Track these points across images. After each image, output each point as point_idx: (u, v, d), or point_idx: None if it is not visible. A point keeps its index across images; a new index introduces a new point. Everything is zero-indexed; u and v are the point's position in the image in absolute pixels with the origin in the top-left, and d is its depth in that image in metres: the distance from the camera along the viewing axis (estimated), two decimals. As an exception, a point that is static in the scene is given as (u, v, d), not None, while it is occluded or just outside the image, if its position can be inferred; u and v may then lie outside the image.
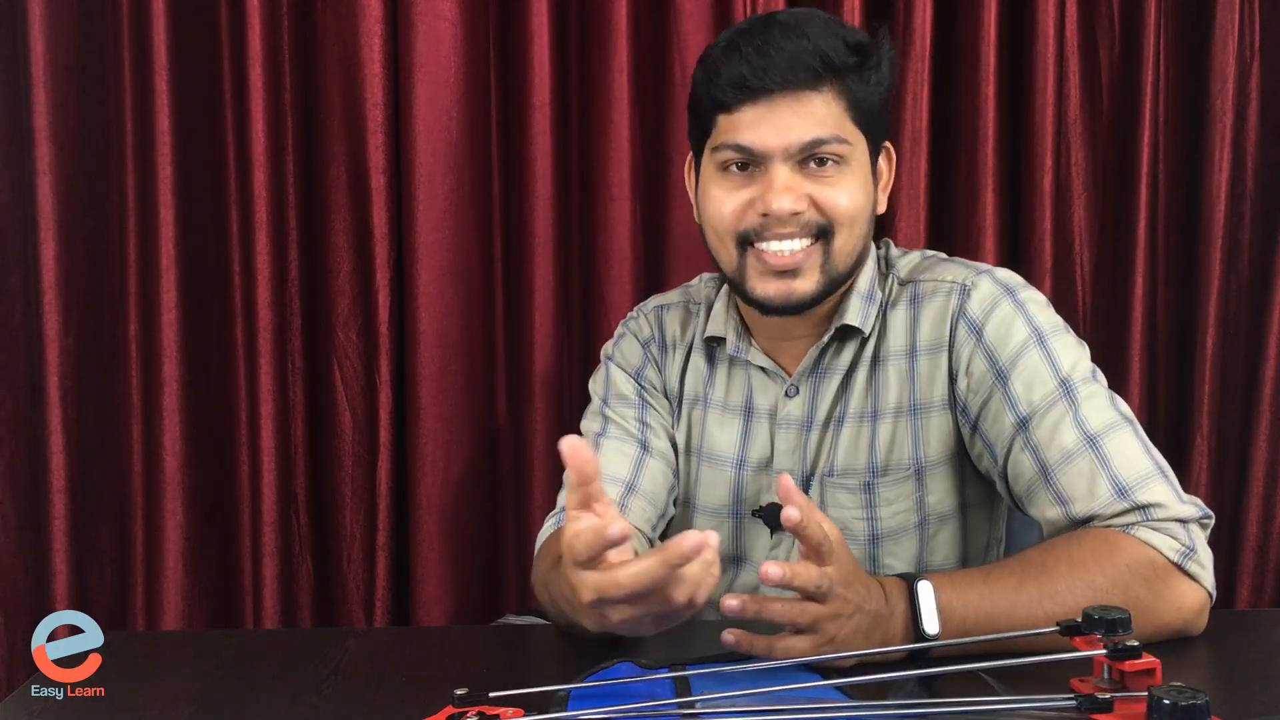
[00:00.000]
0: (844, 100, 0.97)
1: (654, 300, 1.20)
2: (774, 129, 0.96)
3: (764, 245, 0.99)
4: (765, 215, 0.97)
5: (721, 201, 1.00)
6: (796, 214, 0.97)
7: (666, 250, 1.53)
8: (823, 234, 0.99)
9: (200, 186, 1.48)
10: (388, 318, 1.48)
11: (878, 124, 1.02)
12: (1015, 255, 1.52)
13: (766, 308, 1.02)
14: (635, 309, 1.21)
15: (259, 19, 1.43)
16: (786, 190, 0.96)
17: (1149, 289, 1.51)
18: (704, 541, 0.68)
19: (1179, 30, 1.51)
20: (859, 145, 0.99)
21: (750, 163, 0.98)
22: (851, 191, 0.99)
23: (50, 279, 1.45)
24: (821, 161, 0.97)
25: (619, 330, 1.20)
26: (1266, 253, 1.49)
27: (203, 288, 1.49)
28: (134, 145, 1.46)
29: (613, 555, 0.74)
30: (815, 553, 0.78)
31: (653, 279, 1.52)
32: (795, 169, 0.97)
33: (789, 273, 0.99)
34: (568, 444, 0.74)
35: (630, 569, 0.70)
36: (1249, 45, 1.49)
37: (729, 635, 0.79)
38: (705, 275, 1.20)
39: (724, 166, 1.00)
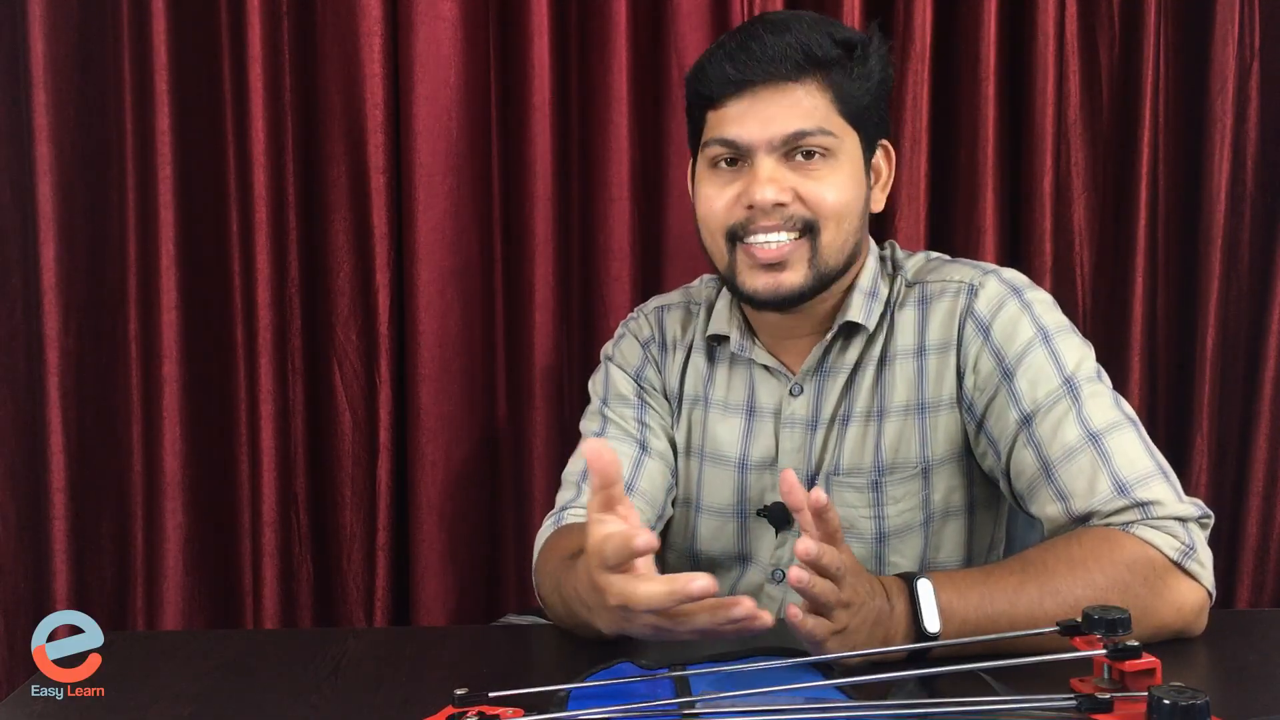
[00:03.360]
0: (829, 93, 0.98)
1: (654, 301, 1.21)
2: (757, 121, 0.97)
3: (751, 240, 0.99)
4: (750, 208, 0.98)
5: (712, 198, 1.02)
6: (781, 205, 0.98)
7: (666, 250, 1.53)
8: (809, 229, 0.99)
9: (200, 186, 1.48)
10: (388, 318, 1.48)
11: (870, 120, 1.02)
12: (1015, 255, 1.52)
13: (756, 302, 1.02)
14: (636, 309, 1.21)
15: (259, 19, 1.43)
16: (770, 181, 0.97)
17: (1149, 289, 1.51)
18: (709, 588, 0.69)
19: (1179, 30, 1.51)
20: (848, 140, 1.00)
21: (738, 158, 1.00)
22: (839, 186, 0.99)
23: (50, 279, 1.45)
24: (808, 154, 0.98)
25: (619, 330, 1.20)
26: (1266, 253, 1.49)
27: (203, 288, 1.49)
28: (134, 145, 1.46)
29: (640, 564, 0.74)
30: (830, 539, 0.77)
31: (652, 279, 1.52)
32: (780, 161, 0.98)
33: (776, 266, 0.99)
34: (590, 447, 0.74)
35: (644, 590, 0.71)
36: (1249, 45, 1.49)
37: (794, 610, 0.77)
38: (706, 276, 1.21)
39: (713, 163, 1.01)
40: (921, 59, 1.48)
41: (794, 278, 1.00)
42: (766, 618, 0.71)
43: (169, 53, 1.44)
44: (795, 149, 0.98)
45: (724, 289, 1.14)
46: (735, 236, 1.01)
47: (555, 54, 1.47)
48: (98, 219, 1.49)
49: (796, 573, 0.75)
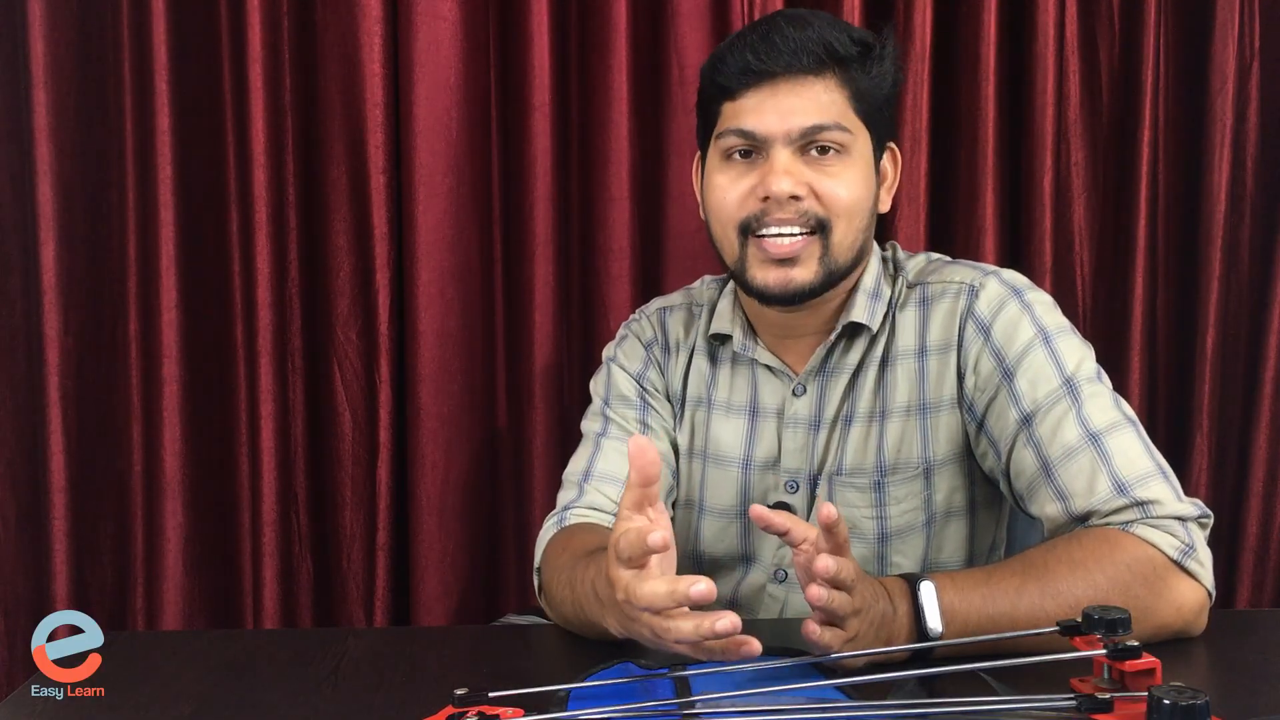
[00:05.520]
0: (846, 90, 0.99)
1: (656, 302, 1.20)
2: (776, 113, 0.97)
3: (764, 232, 0.99)
4: (765, 199, 0.98)
5: (725, 189, 1.01)
6: (796, 199, 0.98)
7: (666, 250, 1.53)
8: (821, 227, 0.99)
9: (200, 186, 1.48)
10: (388, 318, 1.48)
11: (882, 120, 1.03)
12: (1015, 255, 1.52)
13: (766, 296, 1.02)
14: (638, 310, 1.21)
15: (259, 19, 1.43)
16: (786, 173, 0.97)
17: (1149, 289, 1.51)
18: (709, 594, 0.68)
19: (1179, 30, 1.51)
20: (861, 137, 1.00)
21: (753, 149, 1.00)
22: (851, 183, 0.99)
23: (50, 279, 1.45)
24: (823, 150, 0.98)
25: (621, 332, 1.20)
26: (1266, 253, 1.49)
27: (203, 288, 1.49)
28: (134, 145, 1.46)
29: (653, 564, 0.74)
30: (839, 550, 0.78)
31: (652, 279, 1.52)
32: (796, 154, 0.98)
33: (787, 261, 0.99)
34: (634, 443, 0.74)
35: (646, 587, 0.71)
36: (1249, 45, 1.49)
37: (811, 626, 0.78)
38: (707, 277, 1.21)
39: (727, 154, 1.01)
40: (921, 59, 1.48)
41: (804, 274, 1.00)
42: (754, 646, 0.71)
43: (169, 53, 1.44)
44: (811, 143, 0.98)
45: (726, 289, 1.14)
46: (748, 229, 1.00)
47: (555, 54, 1.47)
48: (97, 218, 1.49)
49: (816, 591, 0.75)
